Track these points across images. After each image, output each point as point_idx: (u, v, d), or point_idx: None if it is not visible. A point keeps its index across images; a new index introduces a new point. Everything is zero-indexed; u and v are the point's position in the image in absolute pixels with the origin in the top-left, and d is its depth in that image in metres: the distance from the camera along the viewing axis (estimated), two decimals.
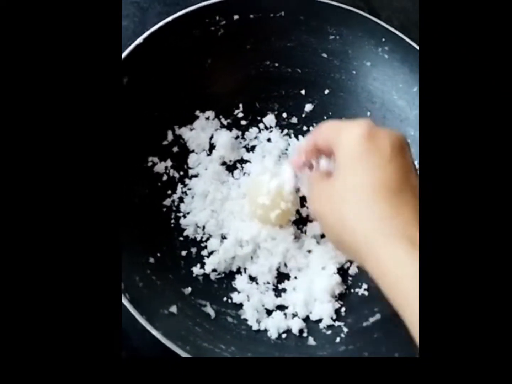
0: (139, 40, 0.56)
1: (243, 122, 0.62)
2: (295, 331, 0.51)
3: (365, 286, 0.54)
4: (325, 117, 0.63)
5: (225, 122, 0.62)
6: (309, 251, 0.55)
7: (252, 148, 0.61)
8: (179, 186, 0.57)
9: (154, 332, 0.43)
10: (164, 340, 0.43)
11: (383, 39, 0.60)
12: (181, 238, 0.55)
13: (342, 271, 0.54)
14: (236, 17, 0.60)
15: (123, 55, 0.54)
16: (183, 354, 0.44)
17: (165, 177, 0.57)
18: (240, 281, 0.53)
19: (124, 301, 0.44)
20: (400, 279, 0.37)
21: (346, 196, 0.42)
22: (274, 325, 0.51)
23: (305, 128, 0.63)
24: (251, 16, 0.61)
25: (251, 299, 0.52)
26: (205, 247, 0.55)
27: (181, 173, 0.58)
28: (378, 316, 0.51)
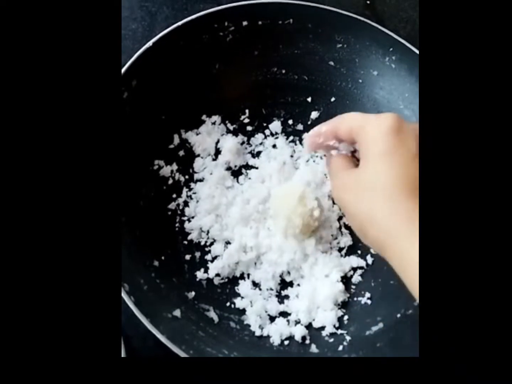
0: (149, 43, 0.56)
1: (249, 128, 0.62)
2: (297, 338, 0.51)
3: (368, 295, 0.54)
4: None
5: (231, 128, 0.62)
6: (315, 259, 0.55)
7: (258, 154, 0.61)
8: (184, 190, 0.57)
9: (158, 335, 0.43)
10: (169, 344, 0.43)
11: (391, 49, 0.61)
12: (185, 242, 0.55)
13: (345, 280, 0.55)
14: (245, 23, 0.61)
15: (133, 58, 0.54)
16: None
17: (170, 181, 0.57)
18: (244, 287, 0.53)
19: (129, 303, 0.44)
20: (402, 264, 0.39)
21: (373, 191, 0.42)
22: (276, 332, 0.51)
23: None
24: (260, 22, 0.61)
25: (254, 305, 0.52)
26: (209, 251, 0.55)
27: (187, 177, 0.58)
28: (381, 325, 0.51)
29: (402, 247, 0.39)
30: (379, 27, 0.61)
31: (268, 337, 0.51)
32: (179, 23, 0.58)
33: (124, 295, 0.44)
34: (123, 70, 0.54)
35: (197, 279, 0.53)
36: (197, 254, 0.55)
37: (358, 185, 0.43)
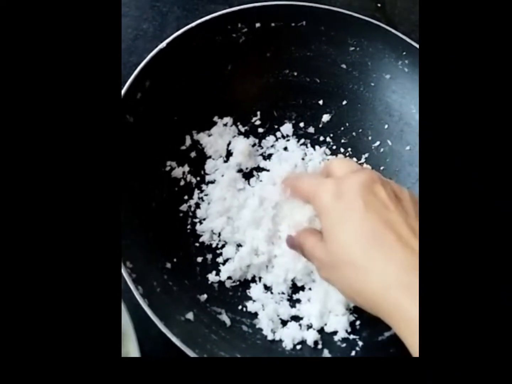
0: (163, 44, 0.55)
1: (260, 130, 0.62)
2: (310, 342, 0.51)
3: None
4: (342, 128, 0.63)
5: (242, 129, 0.61)
6: None
7: (269, 156, 0.61)
8: (196, 191, 0.57)
9: (173, 338, 0.43)
10: (183, 347, 0.43)
11: (404, 53, 0.60)
12: (197, 244, 0.55)
13: None
14: (257, 25, 0.60)
15: (147, 58, 0.54)
16: None
17: (182, 182, 0.57)
18: (255, 290, 0.53)
19: (144, 306, 0.44)
20: (404, 327, 0.39)
21: (341, 261, 0.42)
22: (289, 336, 0.51)
23: (321, 138, 0.63)
24: (273, 24, 0.61)
25: (266, 309, 0.52)
26: (221, 254, 0.54)
27: (198, 178, 0.58)
28: (393, 331, 0.51)
29: (383, 307, 0.40)
30: (392, 30, 0.61)
31: (281, 341, 0.51)
32: (193, 24, 0.57)
33: (138, 297, 0.44)
34: (136, 70, 0.53)
35: (209, 282, 0.53)
36: (209, 256, 0.54)
37: (331, 261, 0.43)
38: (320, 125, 0.63)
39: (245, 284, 0.54)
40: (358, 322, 0.52)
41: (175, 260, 0.52)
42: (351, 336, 0.51)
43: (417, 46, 0.59)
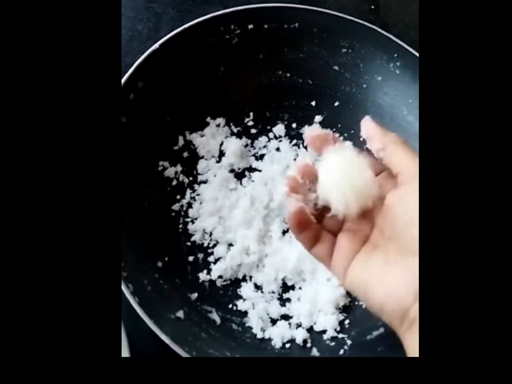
0: (155, 45, 0.56)
1: (253, 131, 0.63)
2: (299, 341, 0.51)
3: None
4: (334, 129, 0.63)
5: (235, 130, 0.62)
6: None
7: (261, 157, 0.61)
8: (188, 191, 0.58)
9: (162, 336, 0.43)
10: (173, 345, 0.43)
11: (395, 55, 0.61)
12: (189, 243, 0.55)
13: None
14: (250, 26, 0.61)
15: (139, 60, 0.55)
16: None
17: (174, 182, 0.57)
18: (246, 289, 0.54)
19: (134, 304, 0.44)
20: None
21: None
22: (278, 334, 0.51)
23: None
24: (266, 26, 0.62)
25: (256, 307, 0.52)
26: (212, 253, 0.55)
27: (191, 178, 0.58)
28: (381, 330, 0.51)
29: None
30: (384, 33, 0.61)
31: (270, 339, 0.51)
32: (186, 25, 0.58)
33: (128, 295, 0.45)
34: (129, 71, 0.54)
35: (200, 281, 0.53)
36: (200, 255, 0.55)
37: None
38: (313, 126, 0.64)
39: (236, 283, 0.54)
40: (347, 321, 0.53)
41: (166, 259, 0.53)
42: (340, 335, 0.52)
43: (409, 48, 0.60)
